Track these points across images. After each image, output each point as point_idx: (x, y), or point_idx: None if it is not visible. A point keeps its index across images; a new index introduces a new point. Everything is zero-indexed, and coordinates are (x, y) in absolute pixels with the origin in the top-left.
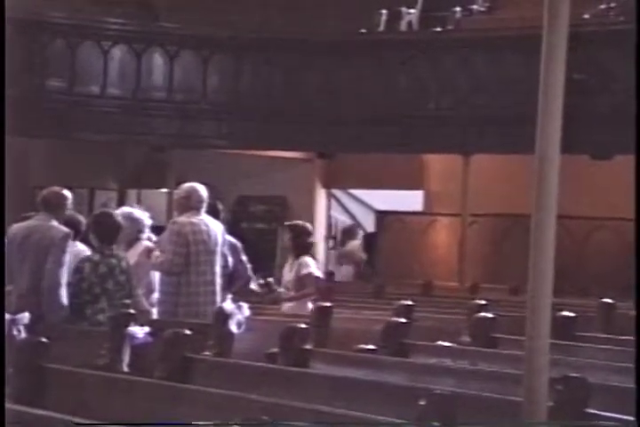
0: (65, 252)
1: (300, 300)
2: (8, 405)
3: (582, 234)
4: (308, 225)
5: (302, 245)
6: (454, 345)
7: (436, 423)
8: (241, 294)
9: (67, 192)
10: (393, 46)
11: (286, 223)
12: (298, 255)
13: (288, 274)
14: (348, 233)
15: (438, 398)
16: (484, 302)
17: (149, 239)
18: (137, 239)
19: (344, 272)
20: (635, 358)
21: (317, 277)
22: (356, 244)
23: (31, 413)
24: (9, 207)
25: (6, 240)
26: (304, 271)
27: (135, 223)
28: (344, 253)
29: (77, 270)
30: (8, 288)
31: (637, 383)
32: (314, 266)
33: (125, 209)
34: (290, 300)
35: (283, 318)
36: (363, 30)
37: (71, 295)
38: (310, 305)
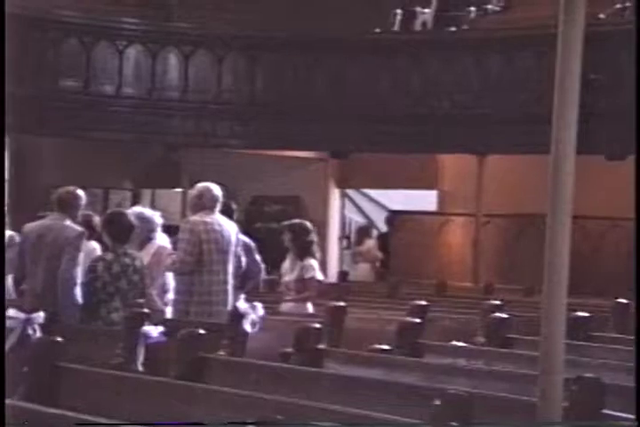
0: (79, 251)
1: (301, 302)
2: (24, 404)
3: (597, 234)
4: (308, 223)
5: (303, 244)
6: (469, 345)
7: (453, 423)
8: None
9: (80, 192)
10: (407, 46)
11: (284, 223)
12: (301, 255)
13: (289, 274)
14: (364, 232)
15: (453, 398)
16: (498, 302)
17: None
18: (149, 239)
19: (361, 271)
20: (635, 358)
21: (319, 281)
22: (371, 243)
23: (46, 412)
24: (24, 207)
25: (20, 239)
26: (309, 275)
27: (146, 223)
28: (360, 251)
29: (91, 270)
30: (22, 287)
31: (637, 383)
32: (318, 269)
33: (136, 209)
34: (290, 301)
35: (297, 318)
36: (377, 30)
37: (85, 294)
38: (309, 306)
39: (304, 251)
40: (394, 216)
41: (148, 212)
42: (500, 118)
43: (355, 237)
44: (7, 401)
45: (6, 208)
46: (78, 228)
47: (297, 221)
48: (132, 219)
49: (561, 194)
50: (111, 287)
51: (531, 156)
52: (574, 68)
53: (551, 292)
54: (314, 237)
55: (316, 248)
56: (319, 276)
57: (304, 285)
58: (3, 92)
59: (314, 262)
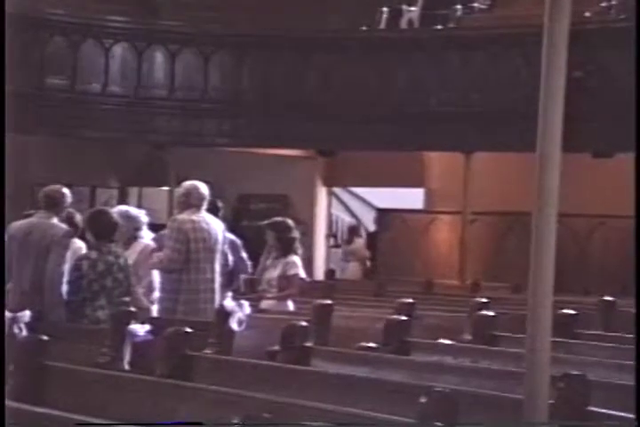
0: (67, 249)
1: (284, 300)
2: (8, 402)
3: (584, 232)
4: (289, 221)
5: (286, 241)
6: (455, 343)
7: (438, 424)
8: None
9: (66, 190)
10: (394, 44)
11: (267, 222)
12: (284, 253)
13: (271, 271)
14: (354, 231)
15: (439, 395)
16: (485, 299)
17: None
18: (135, 237)
19: (351, 269)
20: (635, 358)
21: (302, 279)
22: (361, 242)
23: (32, 411)
24: (9, 205)
25: (7, 238)
26: (291, 272)
27: (132, 221)
28: (350, 250)
29: (75, 268)
30: (7, 286)
31: (637, 383)
32: (301, 267)
33: (121, 207)
34: (272, 299)
35: (283, 316)
36: (364, 28)
37: (70, 293)
38: (290, 303)
39: (287, 248)
40: (381, 214)
41: (133, 210)
42: (486, 116)
43: (345, 236)
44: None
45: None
46: (65, 226)
47: (279, 218)
48: (116, 217)
49: (547, 192)
50: (96, 286)
51: (517, 153)
52: (560, 66)
53: (537, 289)
54: (296, 234)
55: (298, 245)
56: (302, 273)
57: (287, 282)
58: (3, 93)
59: (297, 259)
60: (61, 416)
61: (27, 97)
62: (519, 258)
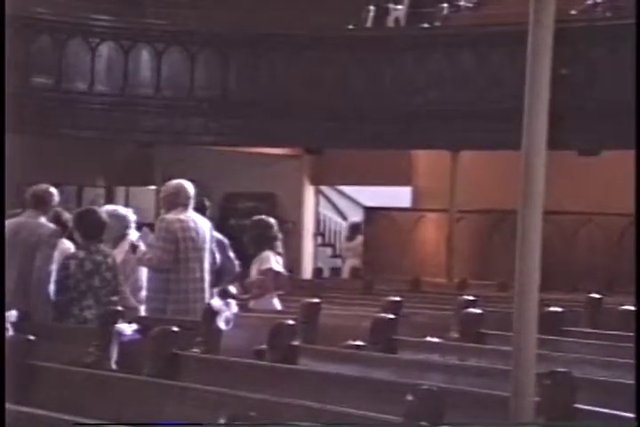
0: (54, 249)
1: (263, 296)
2: None
3: (570, 229)
4: (271, 219)
5: (264, 239)
6: (442, 341)
7: (424, 423)
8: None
9: (53, 189)
10: (380, 43)
11: (249, 220)
12: (259, 250)
13: (252, 271)
14: (357, 228)
15: (426, 393)
16: (472, 297)
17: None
18: (123, 236)
19: (349, 266)
20: (635, 357)
21: (278, 273)
22: (360, 239)
23: (19, 411)
24: None
25: None
26: (264, 266)
27: (121, 220)
28: (349, 247)
29: (63, 267)
30: None
31: (638, 383)
32: (274, 261)
33: (109, 207)
34: (249, 299)
35: (271, 315)
36: (350, 26)
37: (57, 293)
38: (276, 301)
39: (264, 246)
40: (368, 213)
41: (121, 209)
42: (472, 115)
43: (347, 233)
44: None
45: None
46: (52, 225)
47: (259, 217)
48: (104, 216)
49: (532, 189)
50: (83, 285)
51: (503, 152)
52: (545, 65)
53: (523, 287)
54: (276, 232)
55: (278, 244)
56: (277, 267)
57: (262, 276)
58: (3, 92)
59: (270, 254)
60: (48, 416)
61: (12, 96)
62: (505, 256)
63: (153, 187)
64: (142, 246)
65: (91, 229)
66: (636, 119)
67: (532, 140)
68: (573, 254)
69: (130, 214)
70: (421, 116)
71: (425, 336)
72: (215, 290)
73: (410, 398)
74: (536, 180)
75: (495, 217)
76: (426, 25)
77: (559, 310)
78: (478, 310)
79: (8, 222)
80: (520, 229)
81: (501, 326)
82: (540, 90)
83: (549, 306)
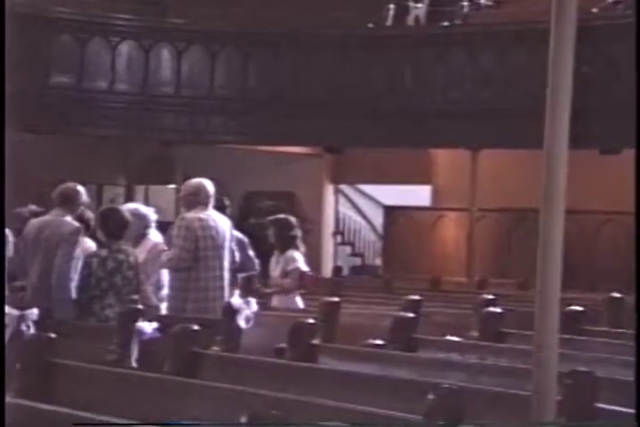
0: (75, 246)
1: (287, 294)
2: (18, 400)
3: (591, 228)
4: (291, 218)
5: (286, 238)
6: (462, 340)
7: (441, 423)
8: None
9: (80, 188)
10: (400, 41)
11: (269, 218)
12: (283, 249)
13: (275, 268)
14: None
15: (446, 392)
16: (492, 296)
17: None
18: (143, 235)
19: None
20: (635, 356)
21: (304, 273)
22: None
23: (40, 408)
24: (17, 203)
25: (23, 235)
26: (291, 266)
27: (142, 219)
28: None
29: (85, 266)
30: (22, 283)
31: (637, 383)
32: (301, 261)
33: (131, 205)
34: (271, 294)
35: (291, 314)
36: (370, 25)
37: (79, 291)
38: (299, 300)
39: (287, 244)
40: (388, 212)
41: (143, 208)
42: (493, 113)
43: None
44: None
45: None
46: (75, 223)
47: (281, 216)
48: (127, 215)
49: (554, 188)
50: (105, 283)
51: (524, 150)
52: (567, 63)
53: (545, 286)
54: (297, 231)
55: (299, 242)
56: (303, 267)
57: (288, 276)
58: (2, 92)
59: (296, 255)
60: (69, 414)
61: (33, 95)
62: (526, 255)
63: (172, 186)
64: (169, 252)
65: (113, 228)
66: (637, 119)
67: (553, 138)
68: (594, 253)
69: (151, 213)
70: (442, 114)
71: (445, 335)
72: (235, 289)
73: (430, 396)
74: (558, 178)
75: (515, 216)
76: (446, 23)
77: (580, 309)
78: (498, 309)
79: (36, 221)
80: (542, 228)
81: (521, 325)
82: (562, 88)
83: (570, 305)
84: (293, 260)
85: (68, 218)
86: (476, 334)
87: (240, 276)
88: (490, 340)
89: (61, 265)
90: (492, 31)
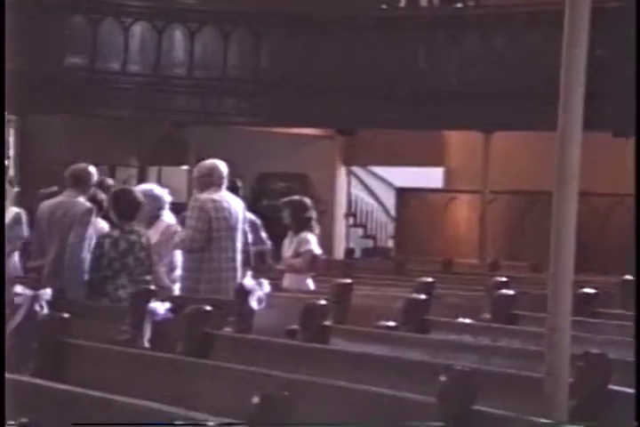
0: (87, 227)
1: (297, 274)
2: (32, 379)
3: (604, 210)
4: (306, 200)
5: (301, 220)
6: (475, 322)
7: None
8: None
9: (92, 169)
10: (413, 23)
11: (284, 200)
12: (297, 231)
13: (287, 249)
14: None
15: (458, 374)
16: (504, 278)
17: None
18: (157, 217)
19: None
20: (635, 355)
21: (316, 256)
22: None
23: (53, 387)
24: (30, 184)
25: (37, 216)
26: (304, 248)
27: (156, 200)
28: None
29: (97, 246)
30: (36, 263)
31: (637, 383)
32: (315, 243)
33: (145, 186)
34: (283, 271)
35: (303, 295)
36: (383, 6)
37: (91, 271)
38: (310, 281)
39: (301, 226)
40: (400, 194)
41: (158, 189)
42: (506, 95)
43: None
44: (16, 377)
45: (13, 185)
46: (87, 204)
47: (296, 197)
48: (139, 196)
49: (567, 170)
50: (117, 264)
51: (537, 132)
52: (581, 45)
53: (558, 268)
54: (312, 213)
55: (314, 224)
56: (316, 250)
57: (300, 258)
58: (3, 86)
59: (310, 236)
60: (82, 393)
61: (47, 76)
62: (538, 237)
63: (185, 167)
64: (182, 232)
65: (126, 209)
66: (636, 106)
67: (567, 120)
68: (607, 236)
69: (165, 195)
70: (454, 96)
71: (457, 317)
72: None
73: (442, 378)
74: (571, 161)
75: (528, 198)
76: (459, 5)
77: (593, 291)
78: (511, 291)
79: (49, 202)
80: (555, 211)
81: (534, 308)
82: (575, 70)
83: (583, 287)
84: (307, 241)
85: (81, 199)
86: (488, 316)
87: (253, 250)
88: (502, 322)
89: (74, 245)
90: (506, 13)
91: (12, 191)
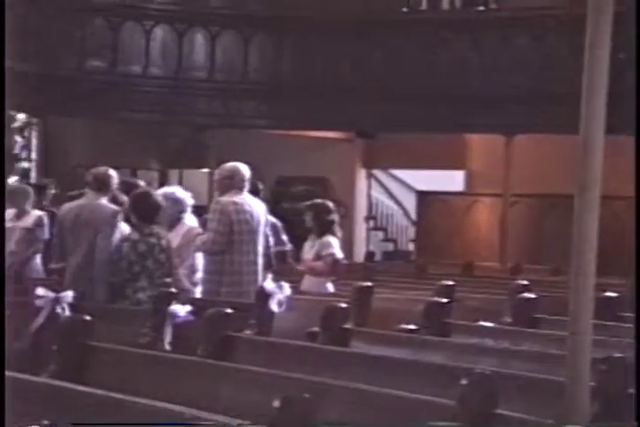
0: (114, 229)
1: (317, 276)
2: (53, 381)
3: (625, 214)
4: (329, 203)
5: (324, 223)
6: (496, 325)
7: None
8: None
9: (113, 172)
10: (435, 25)
11: (306, 203)
12: (320, 234)
13: (308, 251)
14: None
15: (479, 377)
16: (525, 282)
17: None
18: (179, 219)
19: None
20: (635, 356)
21: (338, 260)
22: None
23: (74, 389)
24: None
25: (58, 219)
26: (326, 251)
27: (177, 203)
28: None
29: (117, 249)
30: (58, 266)
31: (637, 385)
32: (337, 247)
33: (168, 189)
34: (303, 273)
35: (323, 298)
36: (405, 9)
37: (111, 274)
38: (330, 285)
39: (324, 229)
40: (421, 197)
41: (180, 192)
42: (528, 98)
43: None
44: (37, 379)
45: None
46: (114, 206)
47: (319, 200)
48: (159, 199)
49: (590, 174)
50: (137, 267)
51: (558, 135)
52: (603, 47)
53: (579, 271)
54: (335, 216)
55: (336, 228)
56: (338, 254)
57: (322, 261)
58: (2, 86)
59: (332, 240)
60: (102, 395)
61: (68, 79)
62: (559, 240)
63: (206, 170)
64: (204, 236)
65: (146, 212)
66: (637, 110)
67: (589, 123)
68: (629, 239)
69: (187, 198)
70: (476, 99)
71: (478, 321)
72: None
73: (463, 381)
74: (594, 164)
75: (549, 201)
76: (481, 7)
77: (615, 295)
78: (532, 295)
79: (70, 204)
80: (577, 214)
81: (555, 311)
82: (598, 73)
83: (605, 291)
84: (329, 245)
85: (104, 201)
86: (509, 319)
87: (273, 251)
88: (523, 325)
89: (103, 248)
90: (528, 15)
91: (49, 194)
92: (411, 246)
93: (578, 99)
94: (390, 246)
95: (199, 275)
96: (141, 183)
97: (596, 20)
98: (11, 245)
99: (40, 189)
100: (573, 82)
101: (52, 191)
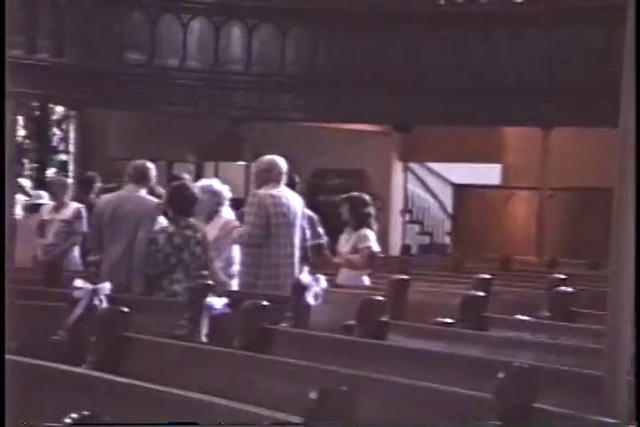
0: (155, 222)
1: (353, 269)
2: (91, 372)
3: None
4: (366, 196)
5: (360, 216)
6: (533, 319)
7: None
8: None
9: (151, 164)
10: (472, 18)
11: (343, 196)
12: (357, 227)
13: (344, 244)
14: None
15: (517, 371)
16: (563, 276)
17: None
18: (216, 212)
19: None
20: (635, 356)
21: (374, 253)
22: None
23: (112, 380)
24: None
25: (96, 211)
26: (363, 244)
27: (215, 196)
28: None
29: (153, 242)
30: (96, 258)
31: (637, 383)
32: (374, 240)
33: (205, 182)
34: (339, 265)
35: (359, 291)
36: (442, 2)
37: (147, 266)
38: (366, 278)
39: (360, 222)
40: (458, 190)
41: (218, 185)
42: (565, 91)
43: None
44: (76, 369)
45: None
46: (155, 199)
47: (355, 193)
48: (196, 191)
49: (628, 167)
50: (173, 259)
51: (595, 129)
52: None
53: (618, 265)
54: (371, 209)
55: (373, 221)
56: (375, 247)
57: (359, 254)
58: (3, 83)
59: (369, 233)
60: (140, 386)
61: (106, 72)
62: (597, 234)
63: (242, 162)
64: (240, 229)
65: (182, 204)
66: (636, 111)
67: (629, 116)
68: None
69: (225, 191)
70: (513, 92)
71: (515, 314)
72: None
73: (500, 375)
74: (632, 157)
75: (587, 195)
76: (520, 0)
77: None
78: (569, 289)
79: (109, 196)
80: (615, 206)
81: (592, 305)
82: (638, 66)
83: None
84: (366, 238)
85: (144, 193)
86: (546, 313)
87: (309, 243)
88: (561, 319)
89: (143, 240)
90: (566, 8)
91: (95, 187)
92: (447, 240)
93: (616, 92)
94: (426, 240)
95: (236, 268)
96: (186, 176)
97: (636, 12)
98: (49, 238)
99: (85, 182)
100: (613, 75)
101: (99, 185)
